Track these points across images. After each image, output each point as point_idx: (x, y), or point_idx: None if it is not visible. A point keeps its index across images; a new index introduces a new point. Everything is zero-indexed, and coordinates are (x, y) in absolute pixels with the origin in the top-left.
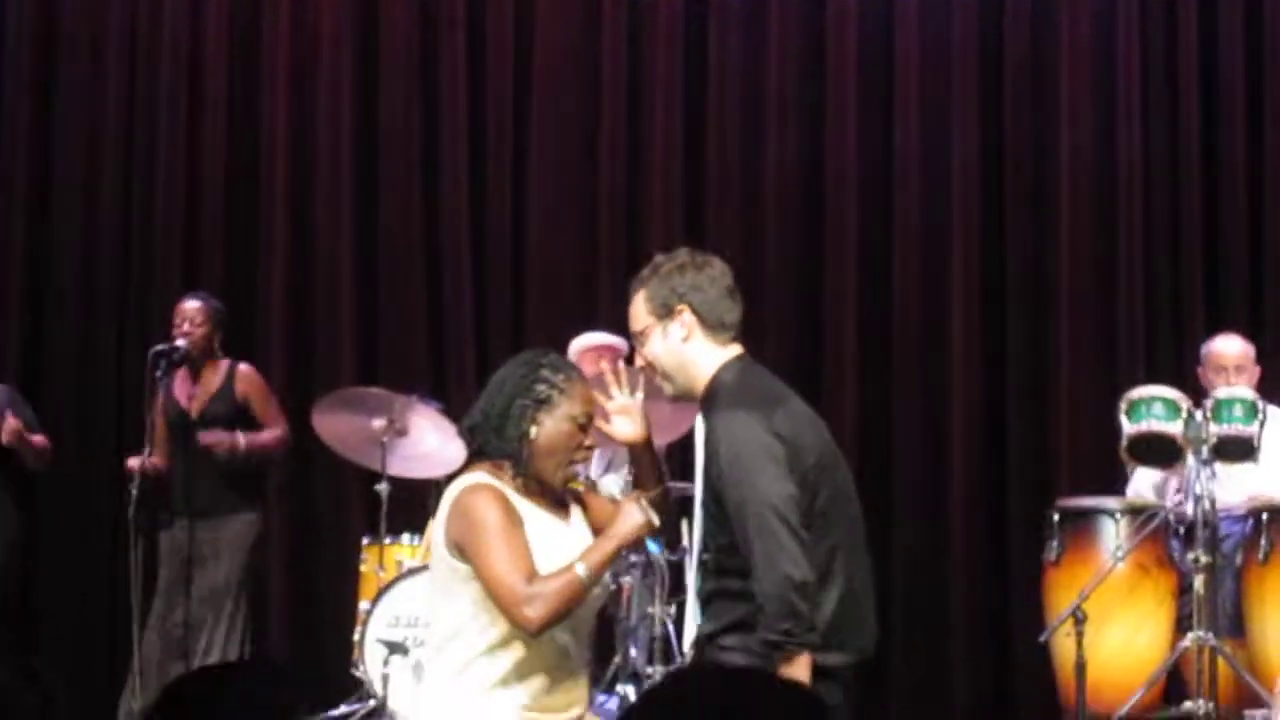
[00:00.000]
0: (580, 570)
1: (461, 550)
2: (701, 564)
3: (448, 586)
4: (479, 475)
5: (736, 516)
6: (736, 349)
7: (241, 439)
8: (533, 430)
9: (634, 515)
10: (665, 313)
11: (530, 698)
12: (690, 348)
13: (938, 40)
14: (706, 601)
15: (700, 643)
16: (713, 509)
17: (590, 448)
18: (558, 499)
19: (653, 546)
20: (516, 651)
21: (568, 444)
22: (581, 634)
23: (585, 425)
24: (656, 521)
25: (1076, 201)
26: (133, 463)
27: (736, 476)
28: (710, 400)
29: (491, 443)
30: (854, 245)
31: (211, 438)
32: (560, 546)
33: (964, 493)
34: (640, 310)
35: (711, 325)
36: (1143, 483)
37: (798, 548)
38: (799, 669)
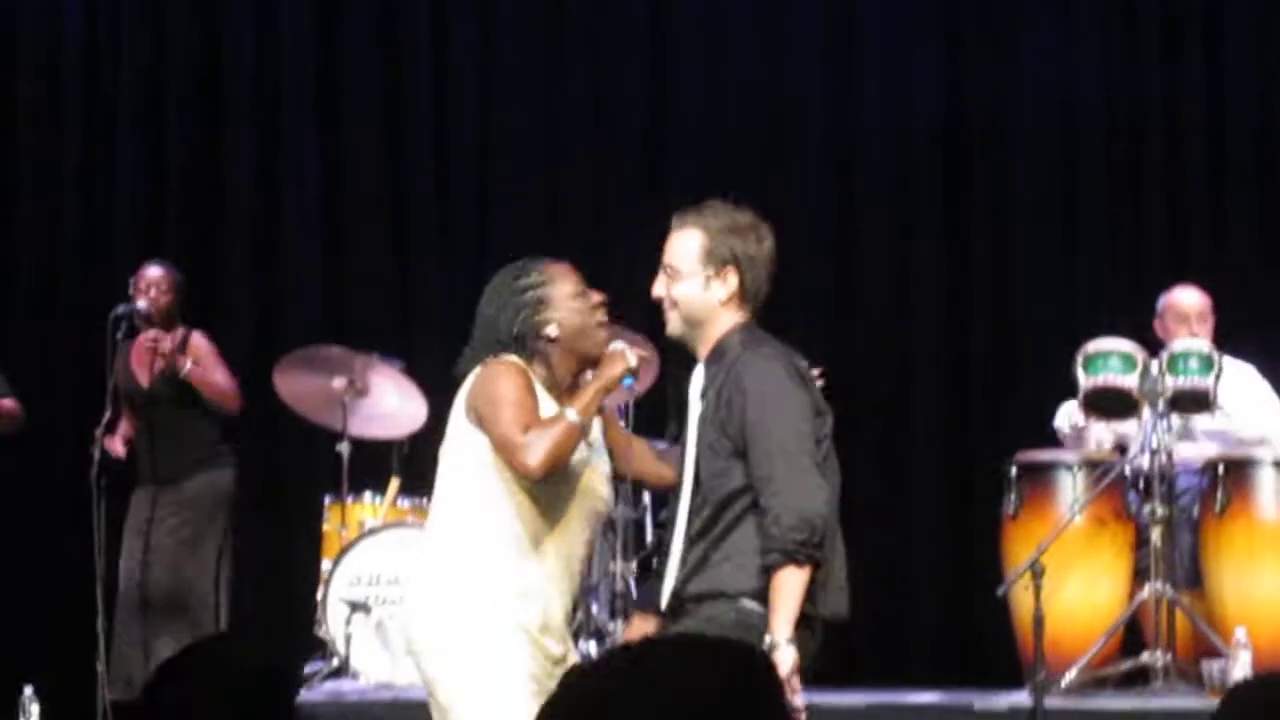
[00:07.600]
0: (570, 415)
1: (479, 416)
2: (689, 530)
3: (461, 456)
4: (509, 357)
5: (760, 444)
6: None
7: (188, 360)
8: (552, 330)
9: (616, 360)
10: (715, 267)
11: (532, 597)
12: (722, 310)
13: None
14: (693, 565)
15: (676, 601)
16: (724, 450)
17: (604, 303)
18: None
19: (627, 381)
20: (523, 524)
21: (587, 316)
22: (577, 554)
23: (584, 290)
24: (634, 362)
25: (1036, 150)
26: (107, 442)
27: (764, 408)
28: (719, 353)
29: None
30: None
31: (152, 334)
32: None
33: (926, 445)
34: (690, 248)
35: (747, 298)
36: (1066, 416)
37: (819, 477)
38: (797, 582)
